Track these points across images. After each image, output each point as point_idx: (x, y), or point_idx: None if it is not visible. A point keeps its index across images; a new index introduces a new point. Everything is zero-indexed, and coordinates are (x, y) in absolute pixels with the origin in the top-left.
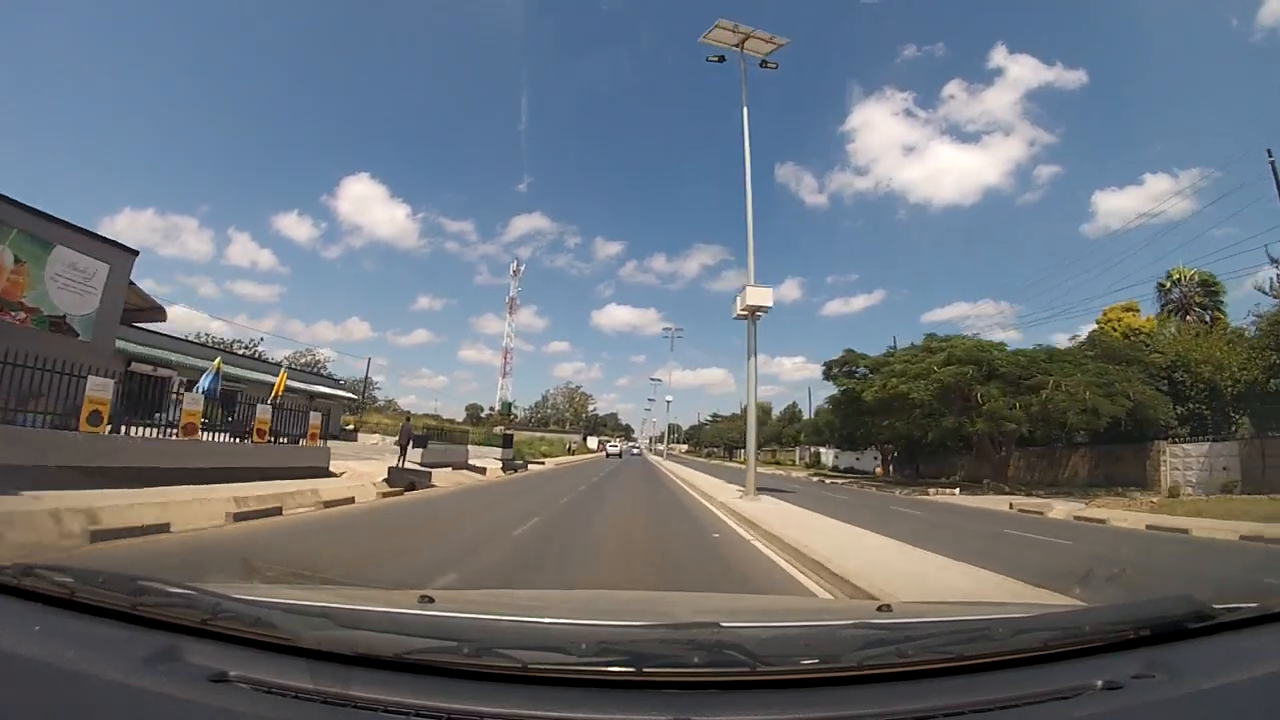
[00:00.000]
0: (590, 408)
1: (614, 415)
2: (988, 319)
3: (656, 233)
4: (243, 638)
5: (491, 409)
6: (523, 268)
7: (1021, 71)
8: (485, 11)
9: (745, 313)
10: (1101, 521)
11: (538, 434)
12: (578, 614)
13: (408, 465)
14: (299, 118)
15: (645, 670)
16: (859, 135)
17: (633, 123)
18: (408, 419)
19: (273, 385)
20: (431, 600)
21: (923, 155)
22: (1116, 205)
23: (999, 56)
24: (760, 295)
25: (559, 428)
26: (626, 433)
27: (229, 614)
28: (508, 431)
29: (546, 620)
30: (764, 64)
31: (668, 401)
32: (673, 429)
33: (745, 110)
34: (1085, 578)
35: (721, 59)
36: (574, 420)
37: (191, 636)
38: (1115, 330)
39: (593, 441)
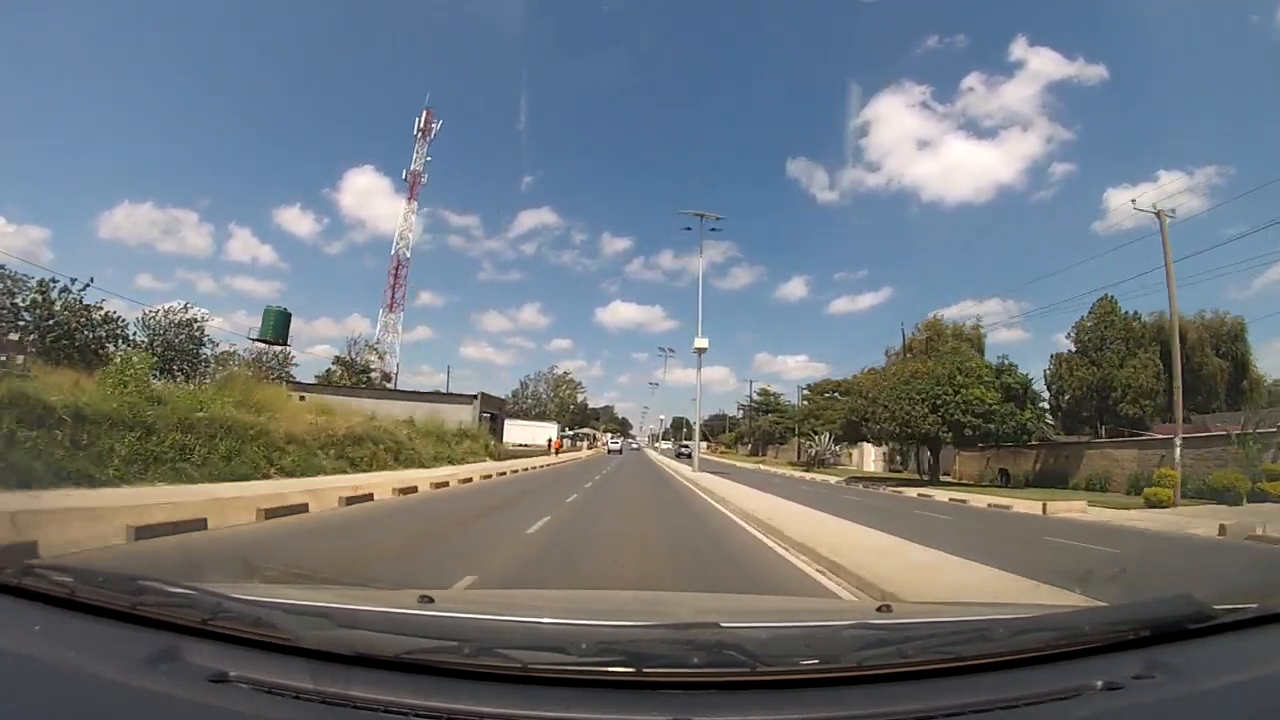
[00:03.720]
0: (580, 397)
1: (609, 409)
2: (992, 315)
3: (664, 229)
4: (243, 638)
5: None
6: (437, 125)
7: (1042, 64)
8: (494, 4)
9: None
10: None
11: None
12: (577, 614)
13: None
14: (303, 112)
15: (645, 670)
16: (873, 129)
17: (639, 119)
18: None
19: None
20: (431, 600)
21: (937, 151)
22: (1129, 202)
23: (1019, 49)
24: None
25: (539, 420)
26: (624, 428)
27: (229, 614)
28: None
29: (546, 620)
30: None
31: None
32: (679, 423)
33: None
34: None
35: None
36: (559, 412)
37: (192, 636)
38: None
39: (541, 431)
